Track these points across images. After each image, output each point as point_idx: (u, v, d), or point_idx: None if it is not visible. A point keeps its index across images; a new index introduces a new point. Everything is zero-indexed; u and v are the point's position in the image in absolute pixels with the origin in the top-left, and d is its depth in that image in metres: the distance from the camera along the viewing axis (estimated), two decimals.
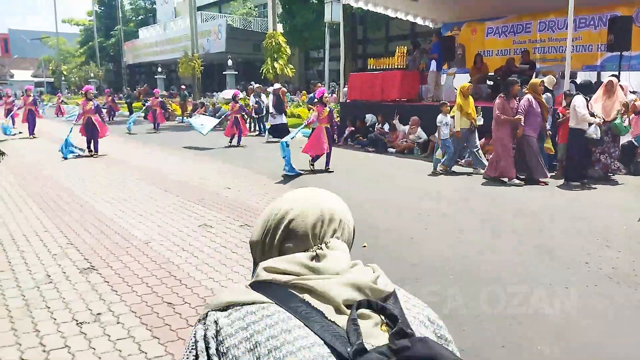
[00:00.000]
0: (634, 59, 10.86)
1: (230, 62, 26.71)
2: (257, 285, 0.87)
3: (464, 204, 6.43)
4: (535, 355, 2.84)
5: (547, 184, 7.54)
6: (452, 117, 8.60)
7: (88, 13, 44.39)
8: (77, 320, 3.21)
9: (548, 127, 8.17)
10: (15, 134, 15.57)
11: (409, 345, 0.75)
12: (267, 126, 14.35)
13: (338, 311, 0.83)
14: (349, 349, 0.76)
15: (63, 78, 42.46)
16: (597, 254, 4.42)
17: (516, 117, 7.57)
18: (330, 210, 1.00)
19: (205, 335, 0.84)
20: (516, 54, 12.81)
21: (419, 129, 11.07)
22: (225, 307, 0.85)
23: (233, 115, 12.91)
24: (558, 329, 3.12)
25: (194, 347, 0.84)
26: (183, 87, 24.32)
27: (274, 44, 20.41)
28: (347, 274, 0.88)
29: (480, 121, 8.81)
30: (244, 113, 13.69)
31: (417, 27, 17.82)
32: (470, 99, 8.66)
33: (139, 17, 42.14)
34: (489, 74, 12.78)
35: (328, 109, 8.89)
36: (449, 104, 8.81)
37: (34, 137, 14.94)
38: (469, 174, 8.64)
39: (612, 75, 10.38)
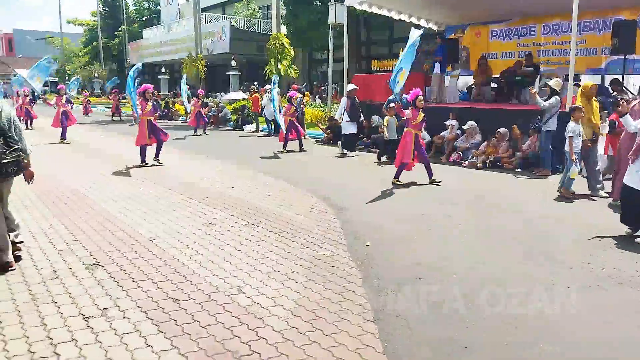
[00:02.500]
0: (637, 62, 10.86)
1: (234, 63, 26.78)
2: None
3: None
4: (537, 354, 2.85)
5: None
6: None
7: (92, 13, 44.59)
8: (83, 315, 3.24)
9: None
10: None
11: None
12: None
13: None
14: None
15: (67, 77, 42.62)
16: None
17: None
18: None
19: None
20: (520, 57, 12.83)
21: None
22: None
23: (288, 118, 11.66)
24: (560, 328, 3.13)
25: None
26: (188, 86, 24.39)
27: (277, 45, 20.44)
28: None
29: (604, 129, 7.35)
30: (297, 114, 12.26)
31: (421, 29, 17.85)
32: (595, 102, 7.14)
33: (143, 18, 42.27)
34: (494, 76, 12.80)
35: (422, 114, 7.71)
36: (583, 109, 6.87)
37: (67, 142, 13.43)
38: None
39: (615, 79, 10.44)
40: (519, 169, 8.89)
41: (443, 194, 7.01)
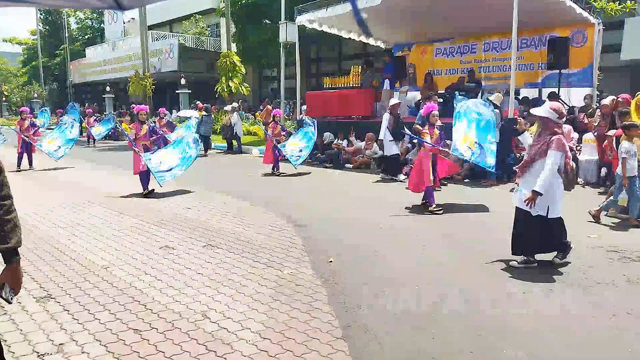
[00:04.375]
0: (572, 76, 11.65)
1: (183, 81, 26.37)
2: None
3: None
4: (503, 358, 2.95)
5: None
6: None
7: (31, 32, 42.71)
8: (37, 352, 3.04)
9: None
10: None
11: None
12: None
13: None
14: None
15: (4, 98, 40.45)
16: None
17: None
18: None
19: None
20: (463, 73, 13.44)
21: (375, 145, 11.33)
22: None
23: (274, 138, 10.84)
24: (525, 337, 3.26)
25: None
26: (133, 106, 23.77)
27: (228, 63, 20.38)
28: None
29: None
30: (284, 134, 11.41)
31: (369, 46, 18.34)
32: None
33: (86, 37, 40.98)
34: (439, 91, 13.32)
35: (438, 131, 6.97)
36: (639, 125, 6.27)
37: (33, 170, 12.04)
38: None
39: (553, 92, 11.13)
40: (467, 180, 9.26)
41: (400, 206, 7.16)
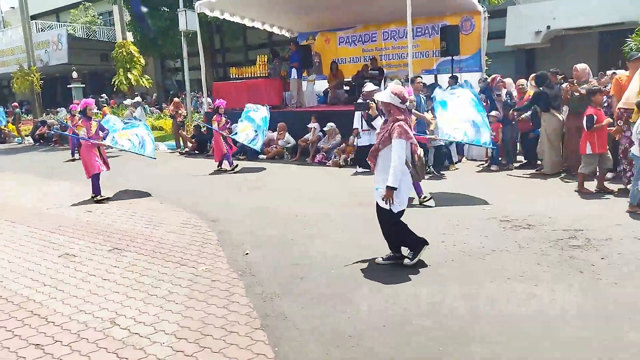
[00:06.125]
0: (463, 62, 12.49)
1: (75, 75, 24.42)
2: None
3: None
4: (412, 328, 3.15)
5: None
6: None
7: None
8: None
9: None
10: None
11: None
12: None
13: None
14: None
15: None
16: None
17: None
18: None
19: None
20: (366, 61, 13.86)
21: (287, 134, 11.37)
22: None
23: (220, 131, 9.95)
24: (429, 302, 3.50)
25: None
26: (15, 104, 21.68)
27: (125, 53, 19.23)
28: None
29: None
30: (229, 125, 10.46)
31: (275, 35, 18.23)
32: None
33: None
34: (345, 79, 13.64)
35: (415, 119, 6.38)
36: None
37: None
38: None
39: (453, 75, 11.79)
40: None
41: (315, 194, 7.27)
